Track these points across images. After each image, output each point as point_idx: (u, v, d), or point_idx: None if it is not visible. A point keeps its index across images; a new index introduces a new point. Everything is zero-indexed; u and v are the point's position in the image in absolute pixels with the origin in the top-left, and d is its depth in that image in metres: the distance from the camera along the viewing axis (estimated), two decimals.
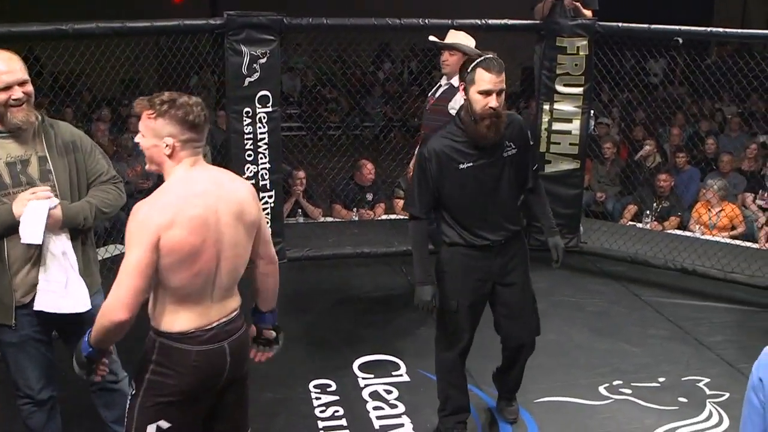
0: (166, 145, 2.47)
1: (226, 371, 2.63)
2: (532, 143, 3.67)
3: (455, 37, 5.08)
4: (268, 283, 2.86)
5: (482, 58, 3.35)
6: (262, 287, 2.86)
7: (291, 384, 4.38)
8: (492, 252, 3.57)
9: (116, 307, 2.38)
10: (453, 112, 4.89)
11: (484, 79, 3.31)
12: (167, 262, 2.42)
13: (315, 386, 4.36)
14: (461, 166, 3.43)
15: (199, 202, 2.46)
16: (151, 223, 2.39)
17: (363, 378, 4.48)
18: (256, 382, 4.31)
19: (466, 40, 5.06)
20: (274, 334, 2.96)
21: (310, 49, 11.08)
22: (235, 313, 2.66)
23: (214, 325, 2.58)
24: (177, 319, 2.53)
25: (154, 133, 2.49)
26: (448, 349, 3.74)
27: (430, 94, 5.23)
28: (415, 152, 5.27)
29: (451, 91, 4.99)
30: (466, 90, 3.37)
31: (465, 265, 3.59)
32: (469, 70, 3.34)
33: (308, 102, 10.82)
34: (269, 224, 5.93)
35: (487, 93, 3.31)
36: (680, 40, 5.90)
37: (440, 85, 5.13)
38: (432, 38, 5.23)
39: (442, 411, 3.87)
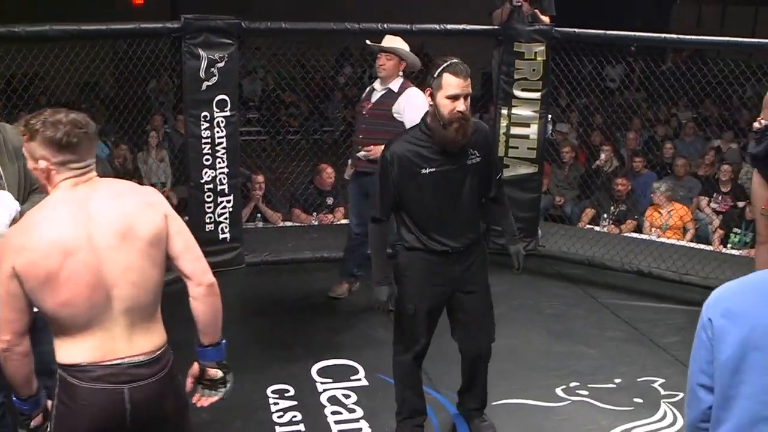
0: (41, 169, 2.30)
1: (127, 420, 2.33)
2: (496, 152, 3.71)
3: (392, 41, 5.09)
4: (199, 309, 2.45)
5: (448, 62, 3.35)
6: (194, 315, 2.47)
7: (248, 390, 4.33)
8: (451, 258, 3.57)
9: None
10: (398, 116, 4.94)
11: (452, 83, 3.31)
12: (28, 288, 2.24)
13: (273, 392, 4.33)
14: (423, 171, 3.42)
15: (59, 225, 2.25)
16: (7, 248, 2.25)
17: (321, 383, 4.46)
18: None
19: (403, 45, 5.09)
20: (219, 373, 2.57)
21: (269, 53, 11.03)
22: (148, 355, 2.35)
23: (115, 362, 2.30)
24: (68, 350, 2.32)
25: (30, 155, 2.32)
26: (404, 352, 3.74)
27: (363, 98, 5.24)
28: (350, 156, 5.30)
29: (391, 95, 5.02)
30: (432, 95, 3.37)
31: (424, 270, 3.58)
32: (435, 75, 3.33)
33: (267, 106, 10.76)
34: (229, 229, 5.92)
35: (454, 98, 3.32)
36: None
37: (374, 89, 5.15)
38: (368, 42, 5.25)
39: (399, 414, 3.86)
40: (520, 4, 6.09)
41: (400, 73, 5.08)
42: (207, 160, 5.76)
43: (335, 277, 5.72)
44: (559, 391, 4.42)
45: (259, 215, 7.20)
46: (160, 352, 2.40)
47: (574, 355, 4.88)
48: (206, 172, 5.78)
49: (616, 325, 5.39)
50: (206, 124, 5.70)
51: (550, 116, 6.57)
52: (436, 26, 6.07)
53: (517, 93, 6.26)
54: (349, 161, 5.45)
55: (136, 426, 2.35)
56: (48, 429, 2.44)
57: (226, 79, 5.69)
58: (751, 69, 8.95)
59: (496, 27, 6.31)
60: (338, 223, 7.24)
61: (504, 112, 6.30)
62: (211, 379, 2.57)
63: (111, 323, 2.30)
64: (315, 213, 7.30)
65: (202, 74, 5.61)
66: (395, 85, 5.05)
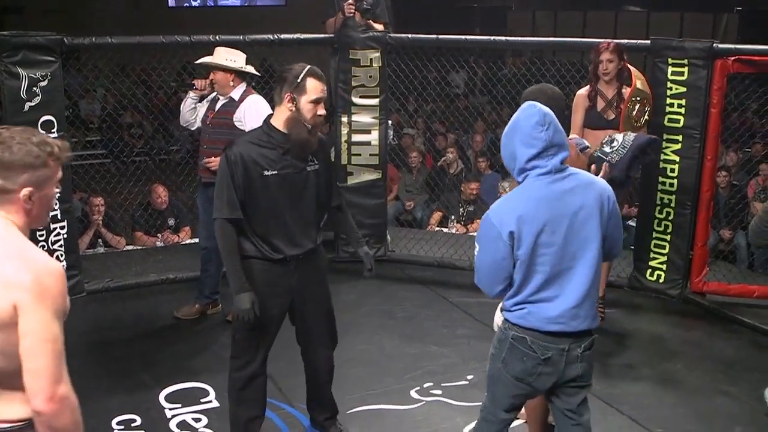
0: None
1: None
2: (332, 161, 3.70)
3: (216, 55, 5.08)
4: None
5: (308, 67, 3.41)
6: None
7: (92, 424, 4.04)
8: (290, 266, 3.53)
9: None
10: (239, 125, 4.88)
11: (316, 88, 3.38)
12: None
13: (118, 423, 4.13)
14: (266, 172, 3.41)
15: None
16: None
17: (170, 408, 4.28)
18: None
19: (233, 56, 5.07)
20: None
21: (112, 72, 10.64)
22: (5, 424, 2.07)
23: None
24: None
25: None
26: (242, 368, 3.63)
27: (207, 108, 5.16)
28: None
29: (233, 103, 5.00)
30: (294, 100, 3.38)
31: (262, 280, 3.51)
32: (299, 80, 3.36)
33: (108, 126, 10.35)
34: (65, 257, 5.61)
35: (317, 101, 3.39)
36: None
37: (218, 99, 5.10)
38: (197, 61, 5.22)
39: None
40: (352, 14, 6.11)
41: (231, 83, 5.02)
42: None
43: (183, 299, 5.54)
44: (413, 393, 4.45)
45: (100, 241, 6.89)
46: (8, 425, 2.10)
47: (427, 356, 4.93)
48: None
49: (466, 322, 5.48)
50: None
51: (390, 122, 6.60)
52: (270, 36, 6.01)
53: (356, 100, 6.27)
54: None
55: None
56: None
57: (50, 98, 5.38)
58: (586, 68, 9.37)
59: (330, 35, 6.31)
60: (185, 242, 7.05)
61: (344, 119, 6.29)
62: None
63: None
64: (159, 234, 7.06)
65: (23, 94, 5.27)
66: (237, 93, 5.03)
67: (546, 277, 2.88)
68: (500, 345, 3.05)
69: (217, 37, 5.69)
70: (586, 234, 2.89)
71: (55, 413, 1.99)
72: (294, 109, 3.39)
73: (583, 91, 5.23)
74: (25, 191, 2.10)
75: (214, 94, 5.12)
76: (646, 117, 5.16)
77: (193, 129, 5.36)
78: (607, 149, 4.29)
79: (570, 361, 2.97)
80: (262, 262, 3.49)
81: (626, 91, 5.11)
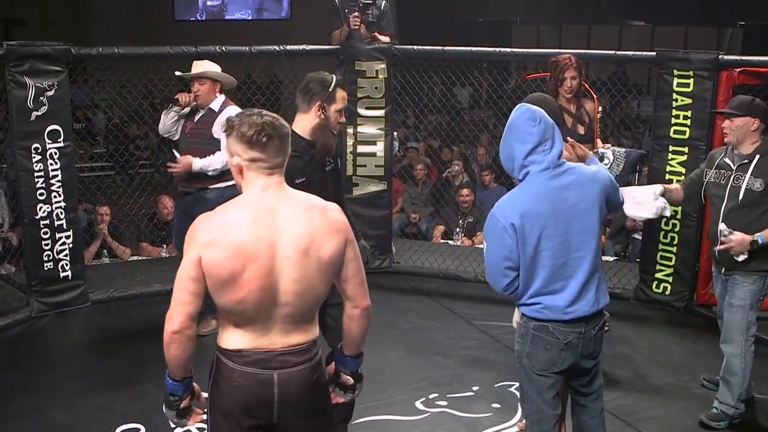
0: (234, 165, 2.51)
1: (275, 404, 2.51)
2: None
3: (201, 66, 5.17)
4: (351, 327, 2.70)
5: (338, 77, 3.62)
6: (345, 330, 2.72)
7: (96, 430, 4.11)
8: None
9: (167, 317, 2.47)
10: (217, 135, 5.00)
11: (344, 97, 3.62)
12: (208, 281, 2.43)
13: (122, 431, 4.11)
14: (297, 181, 3.51)
15: (247, 229, 2.43)
16: (198, 238, 2.43)
17: None
18: None
19: (212, 68, 5.17)
20: (351, 380, 2.82)
21: (117, 85, 10.67)
22: (298, 346, 2.54)
23: (267, 351, 2.51)
24: (229, 337, 2.53)
25: (228, 149, 2.53)
26: None
27: (187, 118, 5.22)
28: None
29: (211, 114, 5.10)
30: (324, 108, 3.55)
31: None
32: (330, 90, 3.55)
33: (114, 137, 10.38)
34: (70, 267, 5.62)
35: (342, 111, 3.63)
36: None
37: (198, 110, 5.17)
38: (178, 73, 5.36)
39: None
40: (357, 26, 6.13)
41: (217, 94, 5.15)
42: (41, 194, 5.45)
43: None
44: (418, 404, 4.43)
45: (105, 251, 6.90)
46: (307, 344, 2.56)
47: (432, 367, 4.91)
48: (41, 208, 5.46)
49: (471, 333, 5.46)
50: (38, 157, 5.39)
51: (395, 133, 6.62)
52: (276, 47, 6.03)
53: (362, 111, 6.29)
54: None
55: (283, 411, 2.53)
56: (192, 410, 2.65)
57: (57, 108, 5.41)
58: (590, 81, 9.38)
59: (336, 47, 6.33)
60: None
61: (350, 131, 6.31)
62: (343, 383, 2.80)
63: (271, 322, 2.49)
64: (164, 245, 7.07)
65: (30, 104, 5.30)
66: (216, 104, 5.14)
67: (552, 269, 3.02)
68: (523, 339, 3.18)
69: (223, 48, 5.71)
70: (588, 224, 3.04)
71: (369, 307, 2.70)
72: (323, 116, 3.56)
73: None
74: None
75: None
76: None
77: (174, 139, 5.38)
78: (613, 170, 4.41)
79: (586, 342, 3.14)
80: None
81: (588, 104, 4.87)
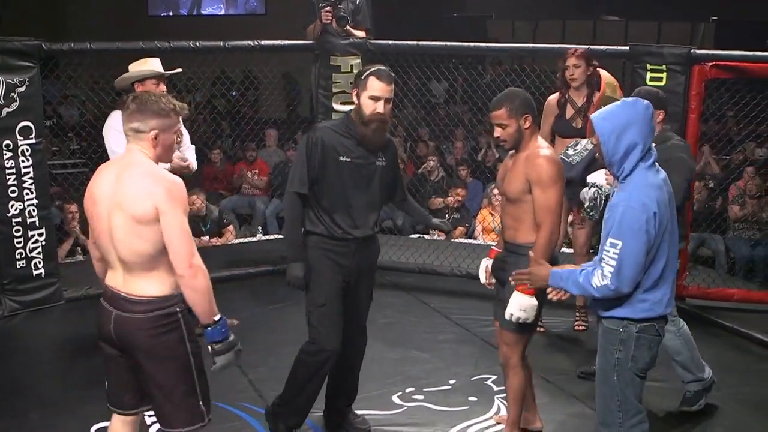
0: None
1: (113, 337, 2.93)
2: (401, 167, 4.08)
3: (156, 63, 4.79)
4: (186, 294, 2.88)
5: (375, 67, 3.69)
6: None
7: (71, 429, 4.11)
8: (350, 246, 3.77)
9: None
10: None
11: (375, 86, 3.63)
12: None
13: (97, 430, 4.08)
14: (341, 158, 3.68)
15: (97, 182, 2.92)
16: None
17: (150, 415, 4.19)
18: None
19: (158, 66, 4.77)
20: (210, 349, 2.96)
21: (91, 81, 10.57)
22: (128, 291, 2.89)
23: (111, 287, 2.94)
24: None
25: None
26: (316, 353, 3.78)
27: None
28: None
29: None
30: (358, 95, 3.67)
31: (324, 255, 3.76)
32: (362, 77, 3.65)
33: (88, 132, 10.28)
34: (43, 264, 5.57)
35: (376, 99, 3.63)
36: None
37: None
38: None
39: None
40: (329, 21, 6.11)
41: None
42: (13, 192, 5.40)
43: None
44: (395, 399, 4.45)
45: (79, 249, 6.83)
46: (145, 298, 2.88)
47: (408, 361, 4.92)
48: (13, 205, 5.40)
49: (448, 327, 5.48)
50: (9, 154, 5.34)
51: None
52: (251, 42, 6.01)
53: (336, 106, 6.28)
54: None
55: (120, 347, 2.96)
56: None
57: (28, 104, 5.36)
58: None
59: (311, 42, 6.31)
60: None
61: None
62: (215, 352, 2.94)
63: (115, 262, 2.92)
64: None
65: (1, 99, 5.25)
66: None
67: (665, 262, 3.00)
68: (624, 346, 3.07)
69: (197, 44, 5.68)
70: (675, 218, 3.07)
71: (193, 275, 2.82)
72: (357, 103, 3.69)
73: (552, 99, 5.20)
74: (153, 132, 2.88)
75: None
76: None
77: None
78: (570, 152, 4.55)
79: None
80: (326, 240, 3.75)
81: (597, 97, 5.04)
